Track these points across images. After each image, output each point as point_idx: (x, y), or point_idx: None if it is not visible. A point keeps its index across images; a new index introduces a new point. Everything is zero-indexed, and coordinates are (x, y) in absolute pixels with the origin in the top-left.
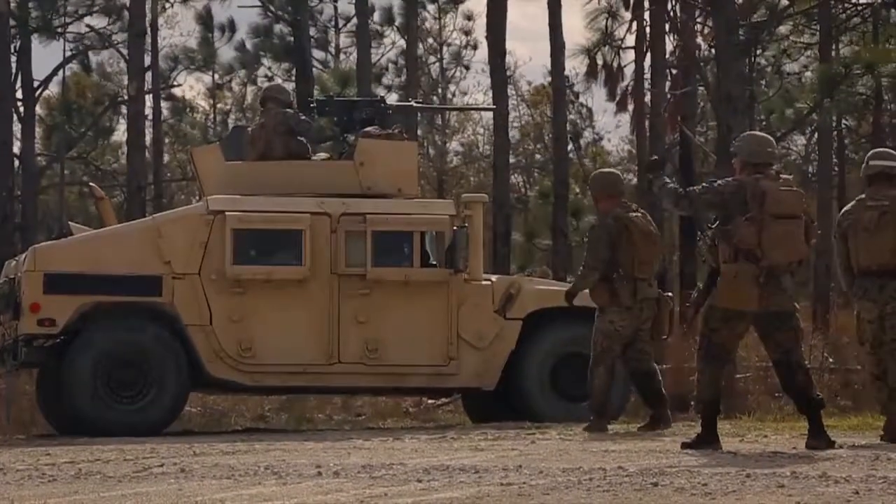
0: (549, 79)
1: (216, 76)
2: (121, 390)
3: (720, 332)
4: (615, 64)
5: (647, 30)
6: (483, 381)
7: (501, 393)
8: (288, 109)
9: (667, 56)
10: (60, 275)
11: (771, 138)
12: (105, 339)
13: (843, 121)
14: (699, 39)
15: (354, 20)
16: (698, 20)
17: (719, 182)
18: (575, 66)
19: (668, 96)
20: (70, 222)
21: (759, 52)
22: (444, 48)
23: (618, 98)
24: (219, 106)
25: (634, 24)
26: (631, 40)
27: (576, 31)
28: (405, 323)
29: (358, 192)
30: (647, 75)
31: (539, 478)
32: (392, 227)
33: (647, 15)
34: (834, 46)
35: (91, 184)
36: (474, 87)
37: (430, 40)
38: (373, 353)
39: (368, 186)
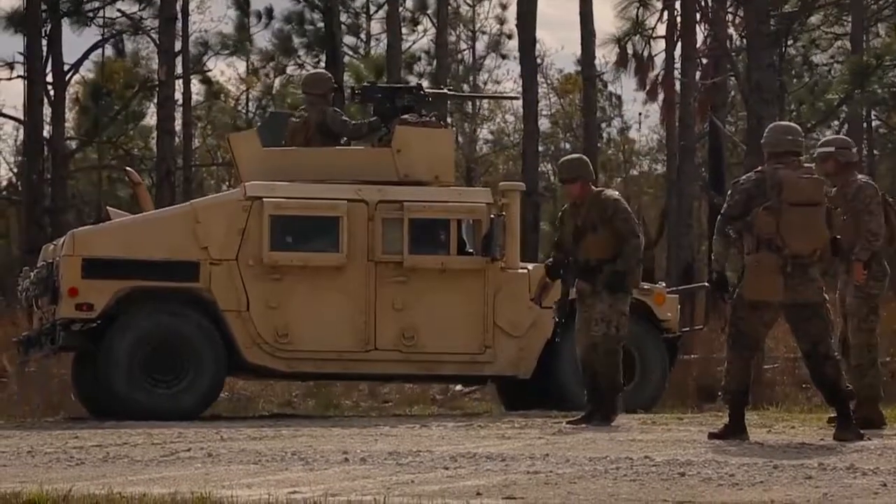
0: (579, 67)
1: (252, 62)
2: (157, 375)
3: (747, 322)
4: (645, 53)
5: (678, 19)
6: (519, 370)
7: (537, 381)
8: (329, 107)
9: (697, 46)
10: (99, 260)
11: (795, 127)
12: (142, 324)
13: (874, 112)
14: (730, 29)
15: (386, 7)
16: (729, 10)
17: (741, 179)
18: (605, 54)
19: (699, 86)
20: (108, 207)
21: (789, 42)
22: (479, 36)
23: (648, 87)
24: (251, 92)
25: (665, 14)
26: (662, 29)
27: (606, 20)
28: (441, 310)
29: (395, 179)
30: (678, 65)
31: (566, 466)
32: (429, 215)
33: (678, 4)
34: (865, 38)
35: (127, 168)
36: (504, 76)
37: (461, 28)
38: (409, 341)
39: (405, 174)
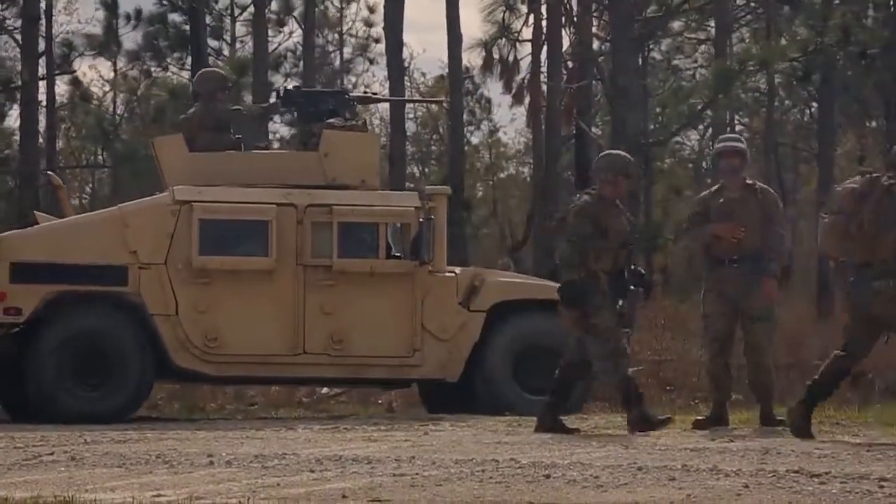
0: (446, 71)
1: (118, 63)
2: (84, 378)
3: None
4: (511, 57)
5: (544, 23)
6: (447, 373)
7: (461, 384)
8: (216, 103)
9: (563, 49)
10: (27, 264)
11: None
12: (70, 327)
13: (737, 117)
14: (595, 33)
15: (251, 9)
16: (594, 14)
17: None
18: (471, 59)
19: (565, 90)
20: (36, 212)
21: (653, 47)
22: (347, 39)
23: (514, 91)
24: (117, 94)
25: (531, 17)
26: (528, 33)
27: (472, 24)
28: (370, 314)
29: (322, 183)
30: (544, 68)
31: (432, 469)
32: (358, 219)
33: (543, 8)
34: (729, 43)
35: (49, 172)
36: (370, 78)
37: (327, 31)
38: (338, 344)
39: (333, 178)
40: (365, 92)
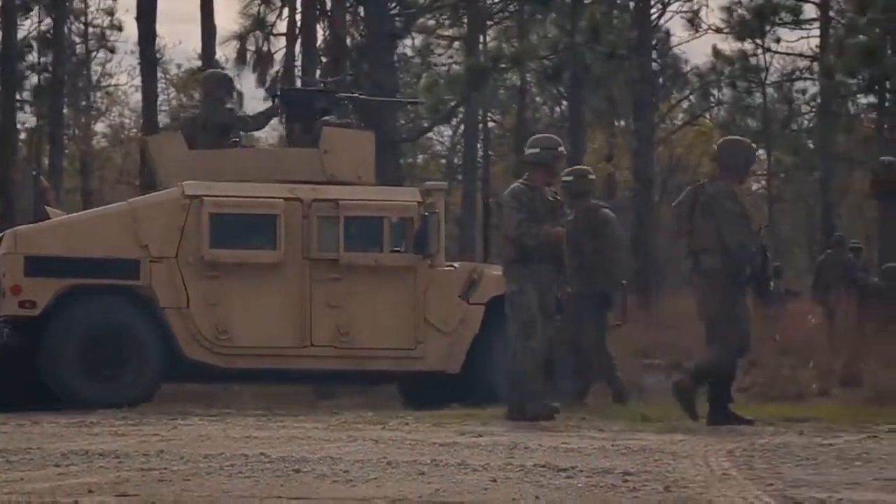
0: (200, 63)
1: None
2: (97, 370)
3: None
4: (266, 49)
5: (299, 17)
6: (448, 365)
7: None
8: (218, 104)
9: (318, 44)
10: (41, 257)
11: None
12: (83, 320)
13: (489, 114)
14: (350, 29)
15: None
16: (349, 8)
17: None
18: (226, 51)
19: (319, 84)
20: (46, 207)
21: (408, 42)
22: (89, 29)
23: (268, 84)
24: None
25: (286, 11)
26: (283, 27)
27: (227, 17)
28: (375, 307)
29: (322, 179)
30: (299, 62)
31: (180, 463)
32: (364, 213)
33: (298, 2)
34: (483, 40)
35: (35, 173)
36: (117, 68)
37: (72, 19)
38: (344, 337)
39: (332, 174)
40: (351, 92)
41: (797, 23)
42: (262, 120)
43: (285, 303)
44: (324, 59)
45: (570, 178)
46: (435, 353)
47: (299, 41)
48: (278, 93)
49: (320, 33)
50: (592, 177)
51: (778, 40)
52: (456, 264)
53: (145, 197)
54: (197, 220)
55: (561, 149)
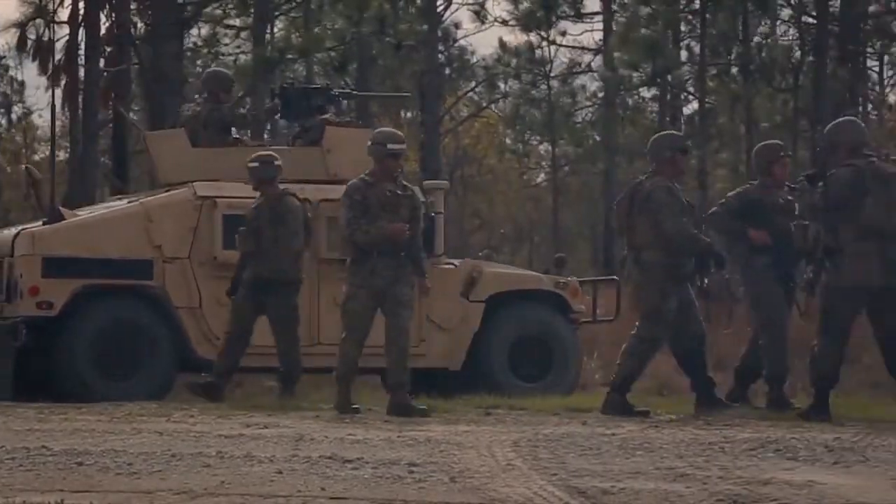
0: None
1: None
2: (112, 369)
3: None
4: (47, 37)
5: (82, 5)
6: (450, 362)
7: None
8: (218, 103)
9: (102, 32)
10: (57, 258)
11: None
12: (98, 320)
13: None
14: (135, 17)
15: None
16: None
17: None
18: (7, 40)
19: (103, 73)
20: (60, 207)
21: (194, 32)
22: None
23: (50, 73)
24: None
25: None
26: (65, 15)
27: (7, 5)
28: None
29: (324, 178)
30: (82, 51)
31: None
32: None
33: None
34: (271, 30)
35: (28, 166)
36: None
37: None
38: None
39: (335, 173)
40: (343, 89)
41: (579, 16)
42: (261, 118)
43: None
44: (107, 48)
45: (255, 164)
46: (437, 351)
47: (82, 29)
48: (278, 91)
49: (104, 22)
50: (279, 163)
51: (563, 33)
52: (456, 262)
53: (158, 197)
54: (209, 220)
55: (397, 146)
